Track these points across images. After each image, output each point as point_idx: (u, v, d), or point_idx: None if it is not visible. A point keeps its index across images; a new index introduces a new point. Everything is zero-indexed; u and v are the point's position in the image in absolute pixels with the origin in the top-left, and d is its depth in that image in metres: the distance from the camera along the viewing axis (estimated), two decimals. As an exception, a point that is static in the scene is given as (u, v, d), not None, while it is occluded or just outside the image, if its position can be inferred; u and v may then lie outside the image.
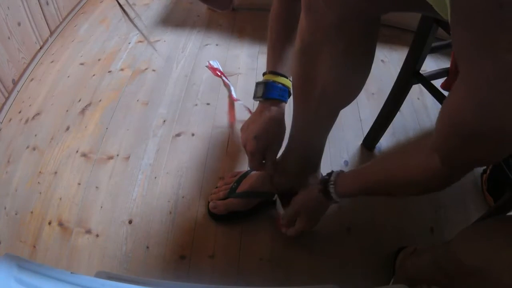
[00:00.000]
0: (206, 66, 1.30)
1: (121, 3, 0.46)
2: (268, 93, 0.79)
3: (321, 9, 0.57)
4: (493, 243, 0.48)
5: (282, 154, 0.88)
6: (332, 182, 0.69)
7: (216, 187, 0.94)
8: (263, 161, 0.84)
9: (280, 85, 0.79)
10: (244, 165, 1.01)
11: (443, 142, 0.45)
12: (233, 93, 1.21)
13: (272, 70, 0.79)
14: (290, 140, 0.84)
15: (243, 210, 0.89)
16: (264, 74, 0.81)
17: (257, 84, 0.81)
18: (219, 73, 1.28)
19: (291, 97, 0.78)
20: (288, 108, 0.80)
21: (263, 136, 0.79)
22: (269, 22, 0.79)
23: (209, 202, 0.91)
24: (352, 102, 0.75)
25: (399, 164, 0.58)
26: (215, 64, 1.31)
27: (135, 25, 0.54)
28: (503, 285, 0.45)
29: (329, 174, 0.71)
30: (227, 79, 1.26)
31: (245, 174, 0.92)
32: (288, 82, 0.80)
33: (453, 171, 0.48)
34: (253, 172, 0.92)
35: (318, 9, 0.57)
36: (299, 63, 0.67)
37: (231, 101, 1.18)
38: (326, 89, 0.67)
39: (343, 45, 0.60)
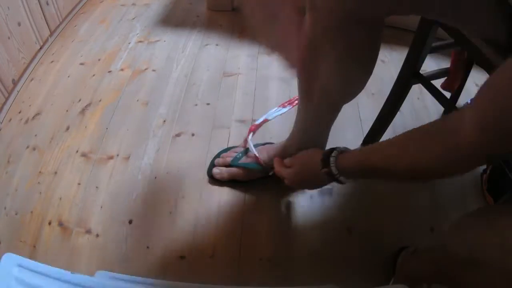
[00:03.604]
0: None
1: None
2: None
3: (322, 9, 0.57)
4: (480, 231, 0.48)
5: (284, 146, 0.89)
6: (335, 154, 0.66)
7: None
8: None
9: None
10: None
11: (497, 92, 0.40)
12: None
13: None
14: (293, 132, 0.86)
15: (243, 180, 0.95)
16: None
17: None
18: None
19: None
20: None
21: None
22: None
23: (213, 166, 0.97)
24: (353, 102, 0.76)
25: (419, 135, 0.53)
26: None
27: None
28: (493, 270, 0.46)
29: (336, 148, 0.68)
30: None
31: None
32: None
33: (489, 140, 0.41)
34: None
35: (320, 8, 0.58)
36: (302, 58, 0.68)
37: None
38: (327, 86, 0.68)
39: (342, 46, 0.61)
